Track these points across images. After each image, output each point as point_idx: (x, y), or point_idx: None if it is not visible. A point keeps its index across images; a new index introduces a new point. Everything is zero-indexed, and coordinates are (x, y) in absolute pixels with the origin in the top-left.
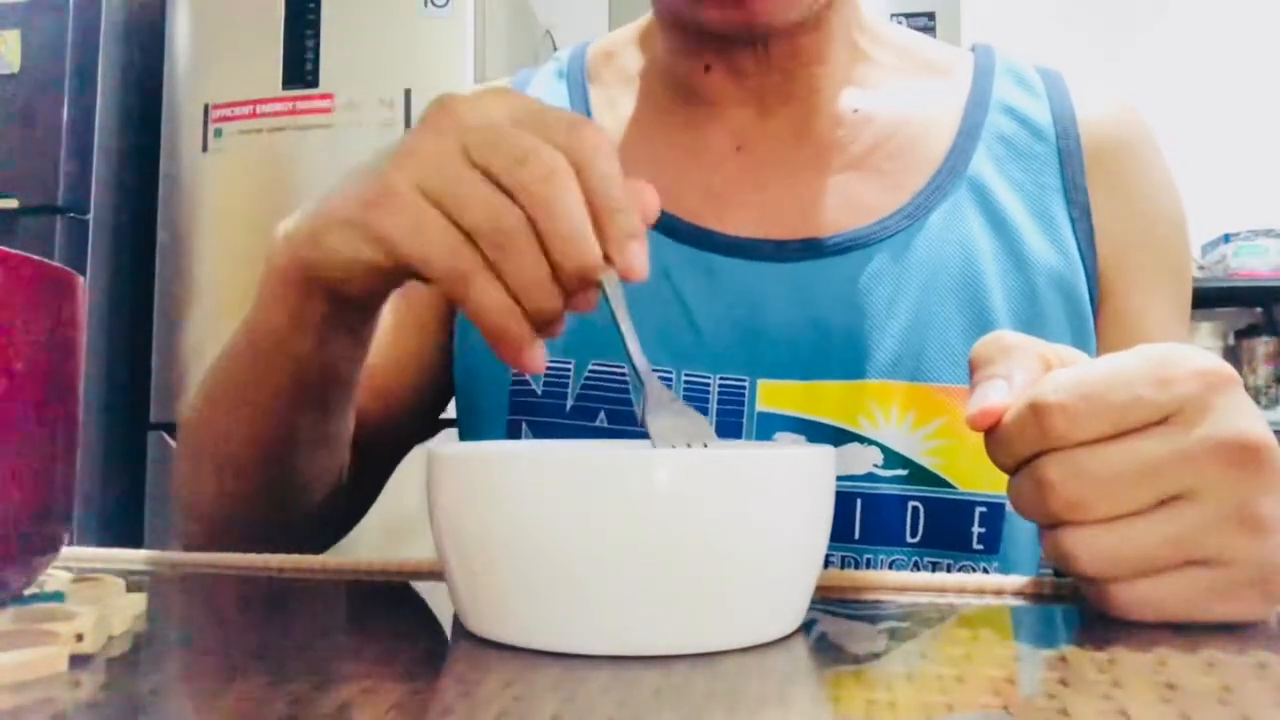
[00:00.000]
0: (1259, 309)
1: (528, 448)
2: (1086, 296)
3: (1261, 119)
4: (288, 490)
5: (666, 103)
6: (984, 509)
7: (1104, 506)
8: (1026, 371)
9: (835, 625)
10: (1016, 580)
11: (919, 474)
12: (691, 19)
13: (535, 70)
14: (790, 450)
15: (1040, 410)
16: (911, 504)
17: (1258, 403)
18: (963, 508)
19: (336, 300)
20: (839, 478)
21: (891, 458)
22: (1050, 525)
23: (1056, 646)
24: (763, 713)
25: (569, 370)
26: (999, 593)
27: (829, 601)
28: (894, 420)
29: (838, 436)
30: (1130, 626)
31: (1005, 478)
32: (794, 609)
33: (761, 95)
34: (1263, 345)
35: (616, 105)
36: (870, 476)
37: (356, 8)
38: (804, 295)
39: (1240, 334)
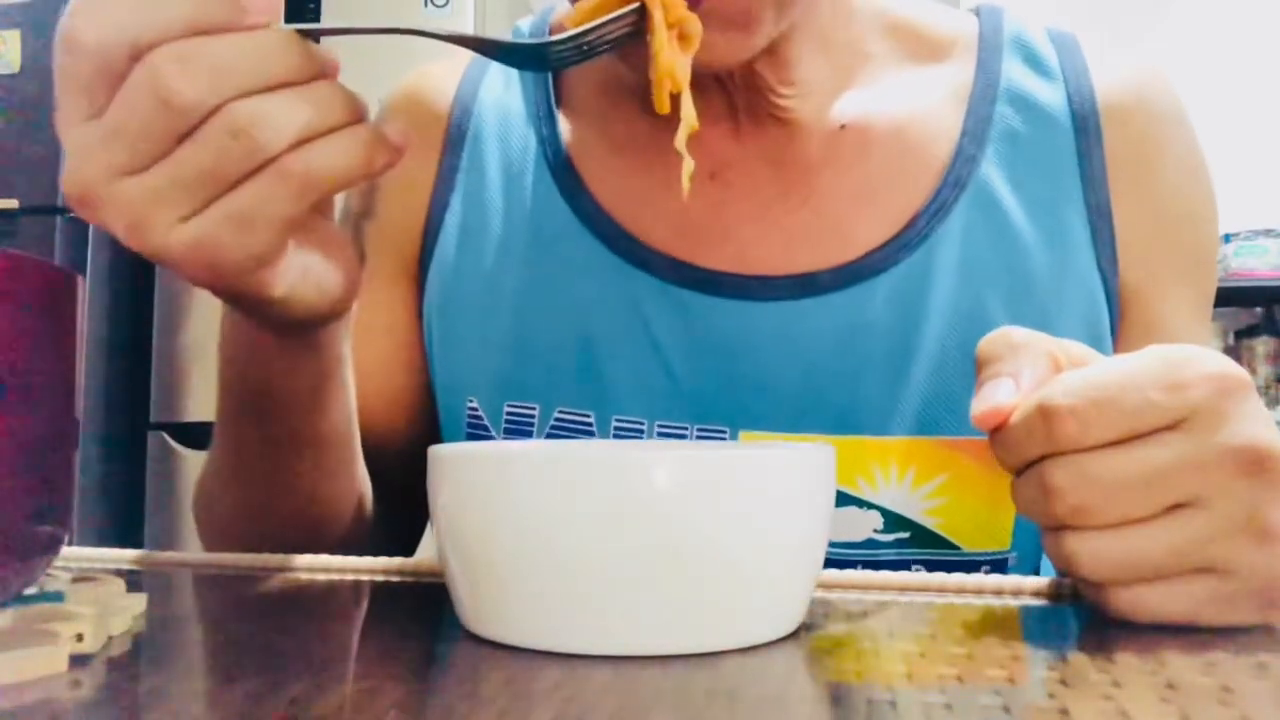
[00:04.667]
0: (1259, 309)
1: (528, 448)
2: (1105, 318)
3: (1261, 119)
4: (307, 519)
5: (634, 112)
6: (988, 568)
7: (1110, 512)
8: (1035, 370)
9: (835, 625)
10: (1017, 580)
11: (920, 536)
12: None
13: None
14: (790, 450)
15: (1049, 413)
16: (914, 568)
17: None
18: (966, 568)
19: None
20: (835, 545)
21: (892, 520)
22: (1054, 528)
23: (1056, 646)
24: (763, 713)
25: (533, 416)
26: (999, 593)
27: (829, 602)
28: (894, 479)
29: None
30: (1131, 627)
31: (1008, 533)
32: (794, 609)
33: (733, 112)
34: (1262, 345)
35: (584, 107)
36: (870, 543)
37: (356, 8)
38: (792, 337)
39: (1240, 334)
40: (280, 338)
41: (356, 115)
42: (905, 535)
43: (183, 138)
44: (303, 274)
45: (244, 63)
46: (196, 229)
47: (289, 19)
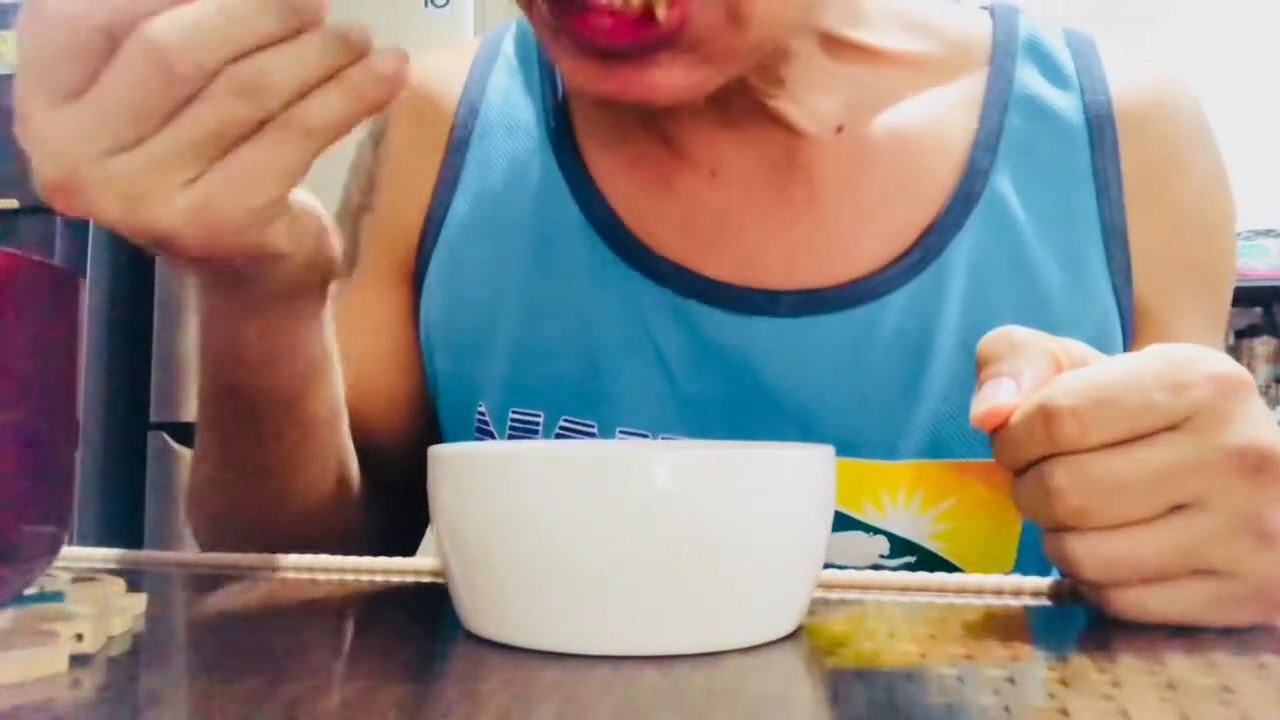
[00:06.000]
0: (1259, 309)
1: (529, 447)
2: (1118, 335)
3: (1262, 119)
4: (287, 507)
5: (635, 110)
6: None
7: (1111, 514)
8: (1036, 370)
9: (835, 625)
10: (1017, 580)
11: (926, 560)
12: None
13: (505, 34)
14: (790, 450)
15: (1050, 414)
16: None
17: None
18: None
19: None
20: (840, 570)
21: (898, 546)
22: (1055, 529)
23: (1056, 646)
24: (763, 713)
25: (538, 424)
26: (999, 593)
27: (829, 601)
28: (901, 504)
29: (839, 522)
30: (1131, 626)
31: (1012, 556)
32: (794, 609)
33: (726, 110)
34: (1262, 345)
35: (591, 99)
36: (875, 568)
37: (356, 8)
38: (798, 355)
39: (1240, 334)
40: (260, 316)
41: (349, 59)
42: (911, 560)
43: (183, 104)
44: (291, 235)
45: (235, 24)
46: (201, 190)
47: None
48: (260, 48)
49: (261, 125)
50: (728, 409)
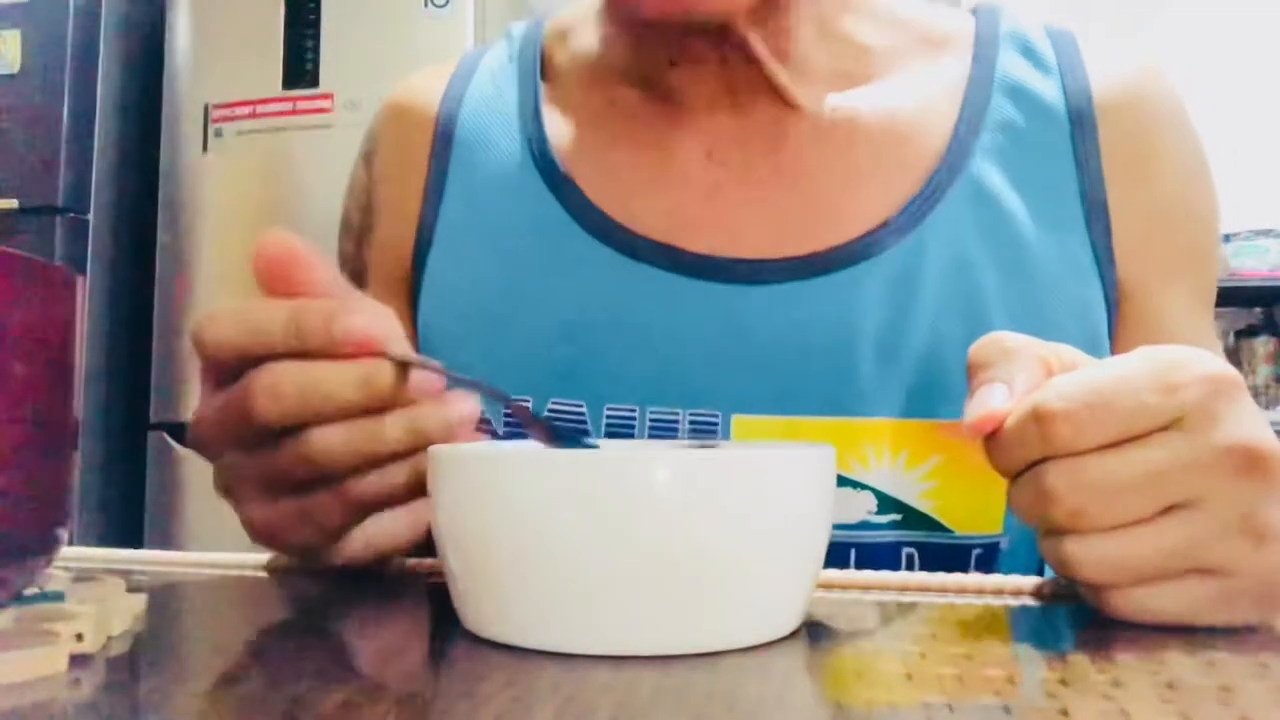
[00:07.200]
0: (1259, 309)
1: (529, 448)
2: (1104, 314)
3: (1261, 119)
4: None
5: (630, 102)
6: (979, 551)
7: (1107, 516)
8: (1028, 375)
9: (835, 625)
10: (1016, 580)
11: (913, 518)
12: (626, 10)
13: (486, 50)
14: (790, 450)
15: (1044, 418)
16: (905, 550)
17: (1257, 403)
18: (958, 551)
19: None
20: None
21: (885, 502)
22: (1051, 531)
23: (1056, 646)
24: (763, 713)
25: (527, 408)
26: (999, 593)
27: (829, 601)
28: (886, 461)
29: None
30: (1130, 626)
31: (999, 516)
32: (794, 609)
33: (733, 90)
34: (1262, 345)
35: (573, 102)
36: (864, 524)
37: (356, 8)
38: (783, 321)
39: (1240, 334)
40: None
41: (419, 442)
42: (898, 517)
43: (268, 439)
44: (365, 545)
45: (326, 390)
46: (269, 512)
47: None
48: (345, 415)
49: (324, 481)
50: (713, 376)
